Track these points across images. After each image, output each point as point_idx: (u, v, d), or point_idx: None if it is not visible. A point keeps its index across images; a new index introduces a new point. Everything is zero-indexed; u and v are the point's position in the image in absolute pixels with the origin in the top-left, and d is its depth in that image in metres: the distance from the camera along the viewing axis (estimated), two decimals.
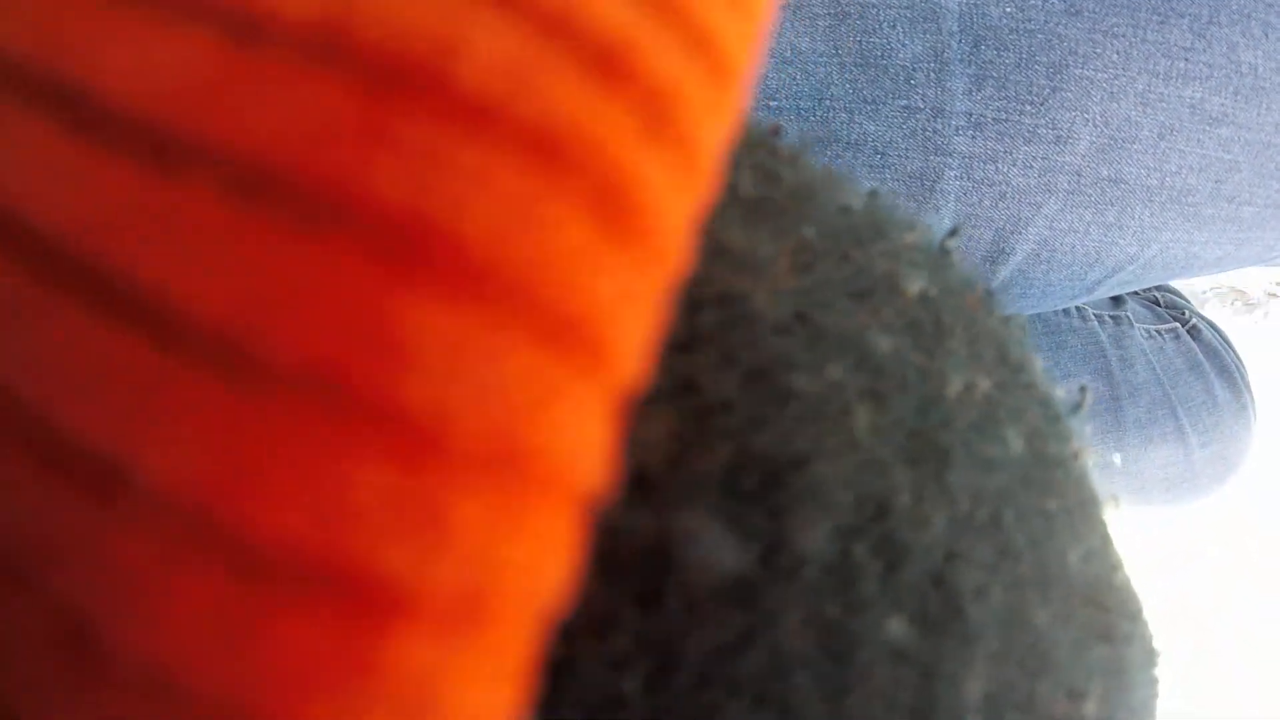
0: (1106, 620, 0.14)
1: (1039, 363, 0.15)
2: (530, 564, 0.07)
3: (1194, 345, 0.57)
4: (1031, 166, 0.36)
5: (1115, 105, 0.36)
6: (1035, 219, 0.38)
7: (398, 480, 0.06)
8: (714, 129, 0.09)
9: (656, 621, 0.10)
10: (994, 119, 0.35)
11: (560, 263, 0.07)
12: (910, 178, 0.37)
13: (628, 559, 0.10)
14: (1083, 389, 0.17)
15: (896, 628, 0.11)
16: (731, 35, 0.09)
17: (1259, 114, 0.37)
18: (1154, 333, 0.57)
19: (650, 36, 0.08)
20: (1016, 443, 0.13)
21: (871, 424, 0.11)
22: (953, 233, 0.15)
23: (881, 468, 0.11)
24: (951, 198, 0.37)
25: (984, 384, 0.13)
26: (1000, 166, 0.36)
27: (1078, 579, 0.14)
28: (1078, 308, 0.54)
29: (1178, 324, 0.58)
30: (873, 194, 0.15)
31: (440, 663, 0.07)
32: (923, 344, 0.13)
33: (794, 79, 0.36)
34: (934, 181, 0.36)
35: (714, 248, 0.11)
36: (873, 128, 0.36)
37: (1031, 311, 0.45)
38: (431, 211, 0.06)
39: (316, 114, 0.07)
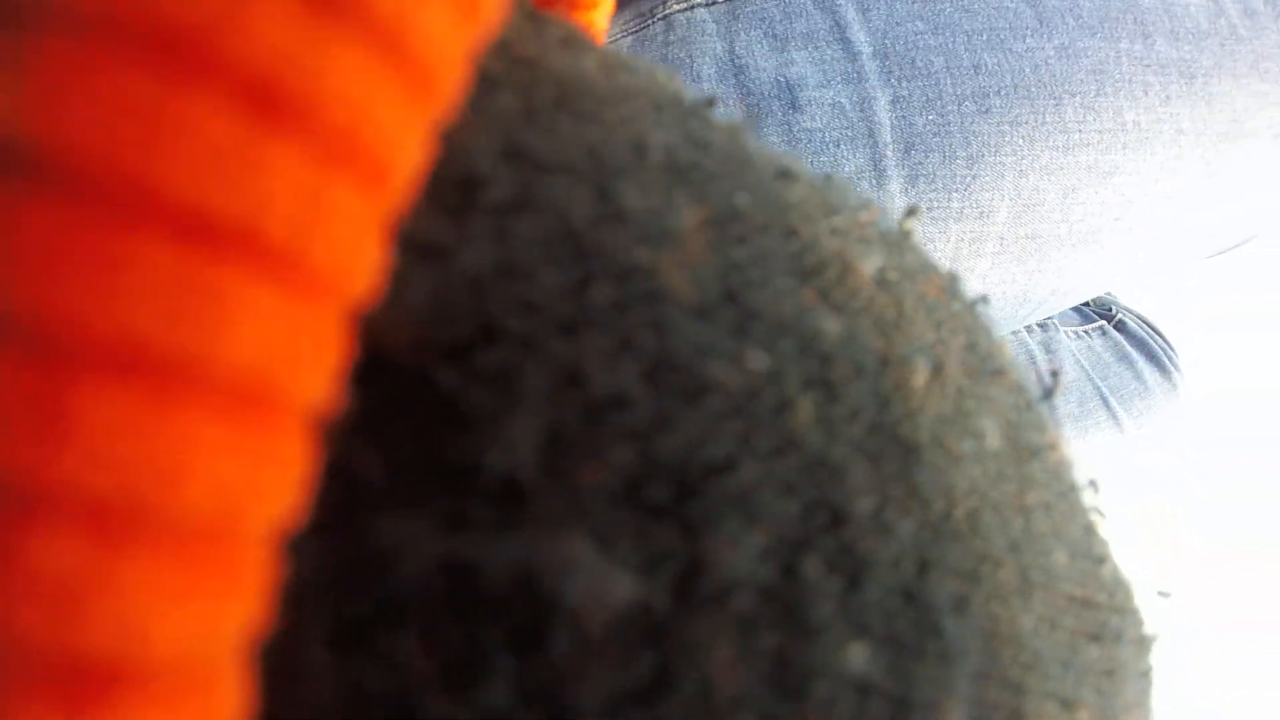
0: (1096, 618, 0.13)
1: (1009, 350, 0.14)
2: (190, 473, 0.06)
3: (1120, 338, 0.64)
4: (963, 240, 0.42)
5: (1025, 179, 0.42)
6: (969, 280, 0.44)
7: (18, 377, 0.06)
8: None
9: (539, 668, 0.08)
10: (927, 208, 0.41)
11: (211, 163, 0.07)
12: None
13: (495, 594, 0.08)
14: (1054, 373, 0.16)
15: (860, 655, 0.09)
16: None
17: (1146, 159, 0.43)
18: (1081, 333, 0.64)
19: None
20: (994, 435, 0.12)
21: (818, 418, 0.10)
22: (910, 212, 0.14)
23: (834, 468, 0.10)
24: None
25: (954, 372, 0.12)
26: (936, 245, 0.42)
27: (1063, 579, 0.12)
28: None
29: (1104, 321, 0.65)
30: (828, 177, 0.14)
31: (91, 566, 0.06)
32: (883, 328, 0.11)
33: None
34: None
35: (610, 213, 0.10)
36: None
37: None
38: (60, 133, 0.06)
39: None
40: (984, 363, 0.13)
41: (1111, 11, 0.41)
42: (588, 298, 0.09)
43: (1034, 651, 0.11)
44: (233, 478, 0.07)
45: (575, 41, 0.13)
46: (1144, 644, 0.14)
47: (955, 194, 0.41)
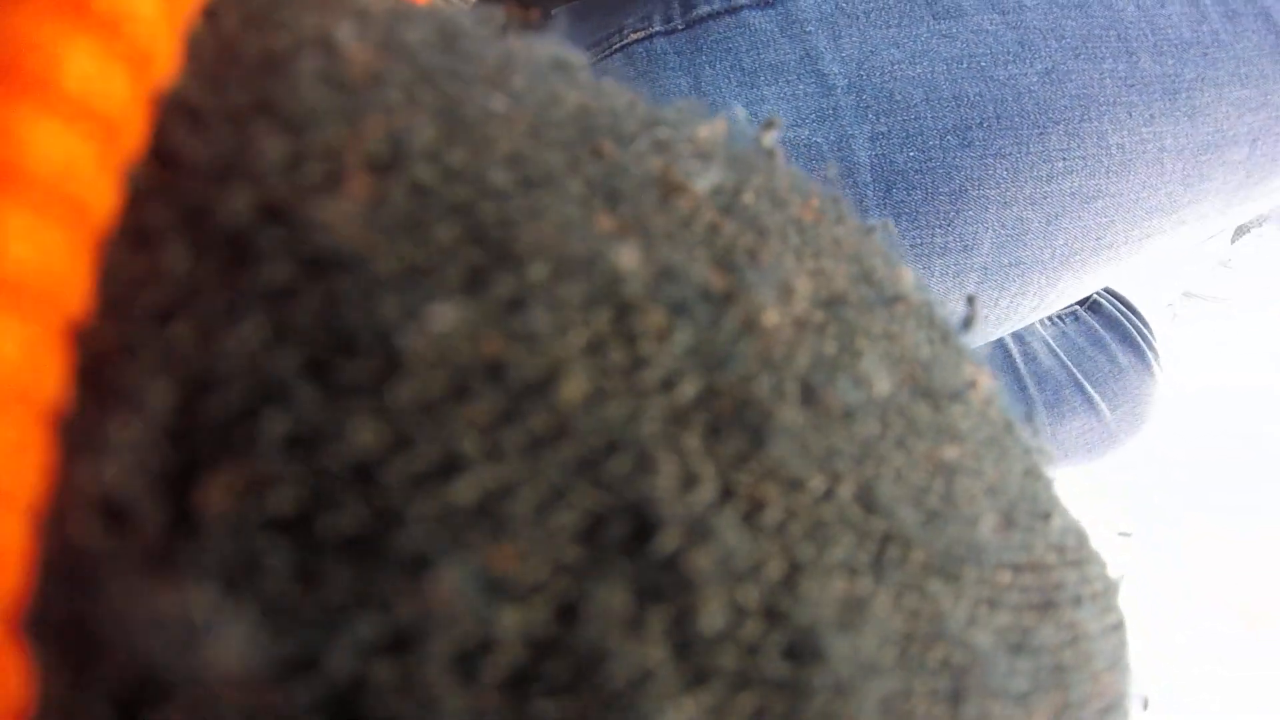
0: (1047, 584, 0.11)
1: (914, 276, 0.12)
2: None
3: (1093, 322, 0.63)
4: (946, 274, 0.41)
5: (1008, 210, 0.40)
6: (952, 310, 0.42)
7: None
8: None
9: None
10: (911, 245, 0.39)
11: None
12: None
13: (105, 670, 0.06)
14: (970, 299, 0.14)
15: (693, 713, 0.07)
16: None
17: (1128, 181, 0.42)
18: (1055, 320, 0.63)
19: None
20: (882, 379, 0.10)
21: (603, 390, 0.08)
22: (768, 125, 0.12)
23: (636, 457, 0.07)
24: None
25: (835, 306, 0.10)
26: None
27: (999, 546, 0.10)
28: None
29: (1077, 306, 0.65)
30: (681, 103, 0.11)
31: None
32: (726, 260, 0.09)
33: None
34: None
35: (257, 153, 0.08)
36: None
37: None
38: None
39: None
40: (878, 291, 0.11)
41: (1095, 30, 0.39)
42: (227, 282, 0.08)
43: (969, 647, 0.09)
44: None
45: None
46: (1109, 595, 0.12)
47: (938, 230, 0.39)
